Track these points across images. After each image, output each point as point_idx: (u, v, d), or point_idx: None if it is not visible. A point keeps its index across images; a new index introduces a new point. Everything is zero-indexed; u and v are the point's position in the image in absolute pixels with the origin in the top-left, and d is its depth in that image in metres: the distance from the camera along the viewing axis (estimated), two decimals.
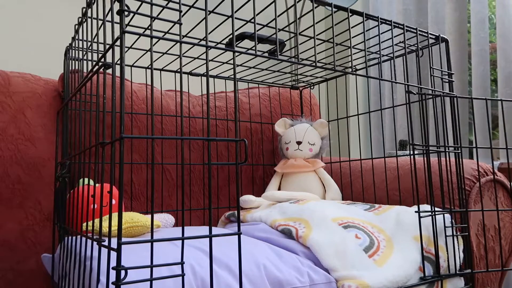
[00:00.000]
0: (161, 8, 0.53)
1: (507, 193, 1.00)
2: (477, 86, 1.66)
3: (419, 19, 1.90)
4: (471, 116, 1.73)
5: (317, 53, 0.64)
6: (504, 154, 1.56)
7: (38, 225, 0.96)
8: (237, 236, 0.78)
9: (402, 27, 0.82)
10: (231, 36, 0.80)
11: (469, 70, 1.72)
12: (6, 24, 1.57)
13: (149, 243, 0.68)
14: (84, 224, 0.72)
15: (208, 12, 0.56)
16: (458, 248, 0.86)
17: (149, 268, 0.58)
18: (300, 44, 0.88)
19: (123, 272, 0.49)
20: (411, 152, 0.84)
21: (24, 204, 0.95)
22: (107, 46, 0.62)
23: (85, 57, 0.72)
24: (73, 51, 0.80)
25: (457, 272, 0.84)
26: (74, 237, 0.71)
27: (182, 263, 0.50)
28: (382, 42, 0.82)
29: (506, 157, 1.59)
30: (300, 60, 0.65)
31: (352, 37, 0.71)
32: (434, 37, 0.93)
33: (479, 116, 1.64)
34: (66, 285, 0.72)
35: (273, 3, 0.54)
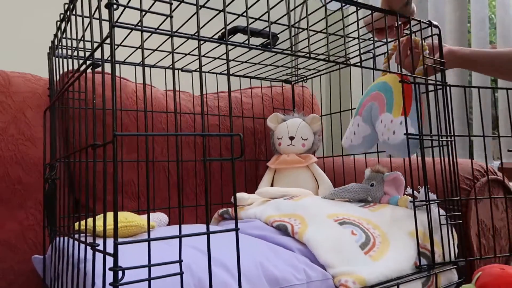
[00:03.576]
0: (152, 2, 0.52)
1: (508, 192, 1.01)
2: (477, 85, 1.63)
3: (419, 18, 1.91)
4: (471, 116, 1.75)
5: (311, 44, 0.63)
6: (504, 154, 1.56)
7: (38, 225, 0.96)
8: (233, 233, 0.77)
9: (395, 15, 0.82)
10: (223, 30, 0.79)
11: None
12: (6, 24, 1.53)
13: (145, 243, 0.67)
14: (76, 224, 0.70)
15: (200, 7, 0.54)
16: (453, 241, 0.87)
17: (146, 268, 0.57)
18: (294, 35, 0.88)
19: (120, 273, 0.48)
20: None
21: (24, 204, 0.95)
22: (95, 44, 0.60)
23: (71, 54, 0.70)
24: (57, 48, 0.78)
25: (451, 260, 0.84)
26: (66, 239, 0.69)
27: (180, 261, 0.49)
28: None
29: (506, 157, 1.60)
30: (294, 52, 0.64)
31: (346, 27, 0.70)
32: (427, 24, 0.92)
33: (479, 114, 1.64)
34: None
35: None
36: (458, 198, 0.89)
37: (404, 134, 0.81)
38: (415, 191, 0.89)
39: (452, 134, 0.89)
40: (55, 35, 0.78)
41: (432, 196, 0.85)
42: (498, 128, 1.62)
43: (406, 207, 0.91)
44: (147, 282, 0.49)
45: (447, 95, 0.90)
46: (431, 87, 0.89)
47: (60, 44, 0.75)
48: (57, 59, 0.81)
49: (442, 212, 0.87)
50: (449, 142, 0.88)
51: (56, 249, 0.73)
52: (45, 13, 1.60)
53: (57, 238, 0.74)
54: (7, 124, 0.95)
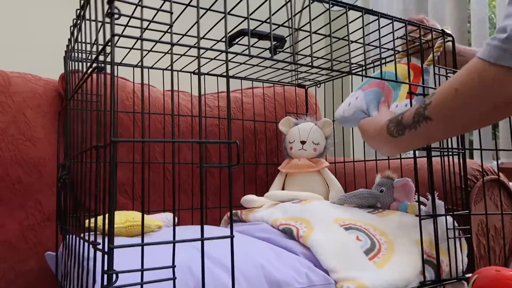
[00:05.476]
0: (156, 10, 0.53)
1: (507, 193, 0.99)
2: None
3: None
4: None
5: (315, 51, 0.63)
6: (504, 154, 1.55)
7: (38, 225, 0.96)
8: (237, 234, 0.77)
9: (403, 22, 0.81)
10: (229, 34, 0.79)
11: None
12: (6, 25, 1.58)
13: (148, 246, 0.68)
14: (87, 221, 0.72)
15: (202, 13, 0.55)
16: (461, 252, 0.85)
17: (145, 271, 0.58)
18: (298, 41, 0.87)
19: (115, 276, 0.49)
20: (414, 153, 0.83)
21: (24, 204, 0.95)
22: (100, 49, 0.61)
23: (81, 58, 0.72)
24: (71, 52, 0.81)
25: (459, 276, 0.82)
26: (73, 237, 0.71)
27: (173, 266, 0.50)
28: (382, 37, 0.80)
29: (506, 157, 1.58)
30: (297, 60, 0.64)
31: (350, 33, 0.70)
32: (439, 32, 0.90)
33: None
34: (68, 284, 0.72)
35: None
36: (468, 212, 0.87)
37: None
38: (424, 199, 0.88)
39: (463, 146, 0.87)
40: (69, 40, 0.80)
41: (440, 203, 0.84)
42: (498, 127, 1.59)
43: (415, 214, 0.90)
44: (140, 286, 0.50)
45: None
46: None
47: (71, 47, 0.77)
48: (71, 62, 0.84)
49: (450, 221, 0.85)
50: (460, 154, 0.87)
51: (66, 247, 0.75)
52: (46, 14, 1.64)
53: (68, 236, 0.77)
54: (7, 124, 0.96)
